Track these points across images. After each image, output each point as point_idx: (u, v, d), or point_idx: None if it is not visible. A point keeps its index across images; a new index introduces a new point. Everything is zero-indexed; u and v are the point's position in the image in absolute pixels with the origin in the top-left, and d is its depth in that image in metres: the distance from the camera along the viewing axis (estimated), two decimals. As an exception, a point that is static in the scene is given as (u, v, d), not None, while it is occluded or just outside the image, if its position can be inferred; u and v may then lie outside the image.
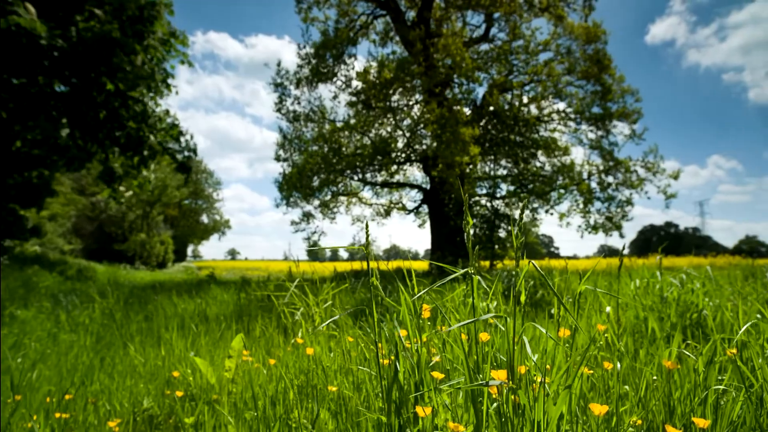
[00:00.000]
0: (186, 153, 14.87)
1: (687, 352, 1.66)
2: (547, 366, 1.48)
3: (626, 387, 1.73)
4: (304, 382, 2.08)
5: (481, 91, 16.96)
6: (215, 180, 52.81)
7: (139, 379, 2.92)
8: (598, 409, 1.24)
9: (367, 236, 1.42)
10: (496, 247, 16.66)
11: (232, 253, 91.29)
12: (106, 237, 36.34)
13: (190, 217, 50.47)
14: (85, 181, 33.10)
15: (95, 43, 10.62)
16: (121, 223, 36.95)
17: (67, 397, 2.45)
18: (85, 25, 10.63)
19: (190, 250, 60.20)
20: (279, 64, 17.65)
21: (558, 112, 16.90)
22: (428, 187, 17.52)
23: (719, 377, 1.75)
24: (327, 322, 1.58)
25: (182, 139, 14.70)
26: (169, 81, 13.76)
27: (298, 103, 17.84)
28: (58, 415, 2.20)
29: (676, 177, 15.77)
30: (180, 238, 49.31)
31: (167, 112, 14.13)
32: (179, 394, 2.29)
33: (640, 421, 1.46)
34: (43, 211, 21.16)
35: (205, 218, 52.68)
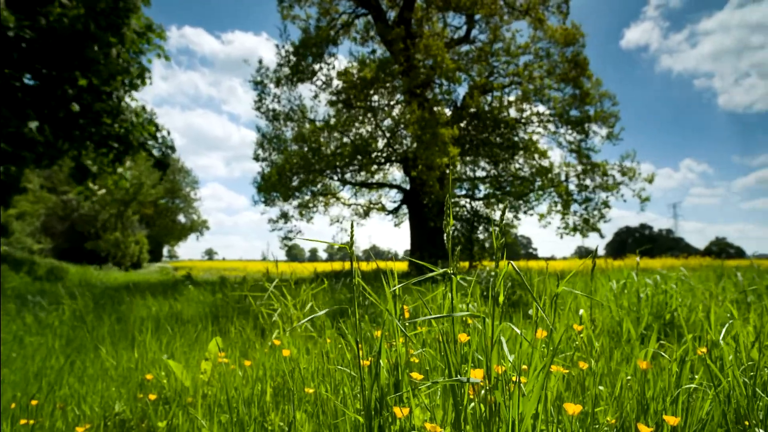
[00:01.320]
0: (163, 150, 14.53)
1: (661, 352, 1.69)
2: (524, 366, 1.49)
3: (601, 387, 1.76)
4: (281, 384, 2.05)
5: (461, 92, 17.10)
6: (192, 179, 51.82)
7: (110, 383, 2.84)
8: (573, 408, 1.25)
9: (352, 236, 1.41)
10: (475, 248, 16.81)
11: (210, 254, 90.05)
12: (78, 236, 35.31)
13: (167, 216, 49.37)
14: (57, 178, 32.09)
15: (67, 35, 10.29)
16: (93, 222, 35.94)
17: (33, 402, 2.36)
18: (54, 16, 10.28)
19: (165, 250, 59.04)
20: (260, 62, 17.44)
21: (538, 114, 17.14)
22: (408, 187, 17.55)
23: (691, 376, 1.80)
24: (304, 321, 1.56)
25: (159, 135, 14.37)
26: (145, 75, 13.42)
27: (278, 102, 17.63)
28: (23, 421, 2.12)
29: (650, 181, 16.15)
30: (155, 238, 48.25)
31: (144, 108, 13.79)
32: (152, 397, 2.23)
33: (613, 420, 1.48)
34: (10, 209, 20.42)
35: (182, 218, 51.62)
